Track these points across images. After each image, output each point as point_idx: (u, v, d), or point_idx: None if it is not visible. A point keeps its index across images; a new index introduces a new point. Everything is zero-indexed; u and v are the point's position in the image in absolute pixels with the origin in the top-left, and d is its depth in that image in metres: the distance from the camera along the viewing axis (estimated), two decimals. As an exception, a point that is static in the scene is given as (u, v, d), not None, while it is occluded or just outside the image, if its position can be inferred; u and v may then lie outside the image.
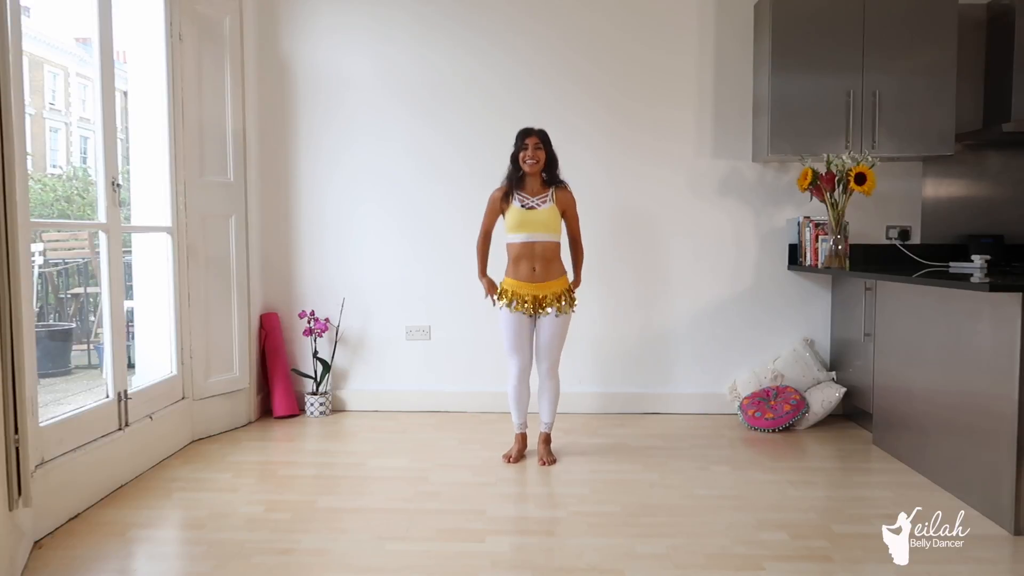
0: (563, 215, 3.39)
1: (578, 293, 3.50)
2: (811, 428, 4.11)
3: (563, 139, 4.21)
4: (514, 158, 3.35)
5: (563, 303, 3.36)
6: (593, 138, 4.38)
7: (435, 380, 4.52)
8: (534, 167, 3.31)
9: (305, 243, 4.52)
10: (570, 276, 3.49)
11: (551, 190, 3.36)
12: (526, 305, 3.33)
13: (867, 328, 3.91)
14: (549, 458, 3.46)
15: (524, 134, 3.35)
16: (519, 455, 3.49)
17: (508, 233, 3.36)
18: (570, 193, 3.40)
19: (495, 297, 3.40)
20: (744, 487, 3.19)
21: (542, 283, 3.33)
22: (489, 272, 3.52)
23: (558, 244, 3.39)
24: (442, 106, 4.42)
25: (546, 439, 3.52)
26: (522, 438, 3.53)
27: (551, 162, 3.36)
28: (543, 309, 3.33)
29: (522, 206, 3.32)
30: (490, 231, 3.49)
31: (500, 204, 3.39)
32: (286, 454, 3.77)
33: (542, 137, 3.34)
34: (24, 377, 2.39)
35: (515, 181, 3.34)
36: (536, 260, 3.32)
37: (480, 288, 3.52)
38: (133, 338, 3.99)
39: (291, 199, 4.50)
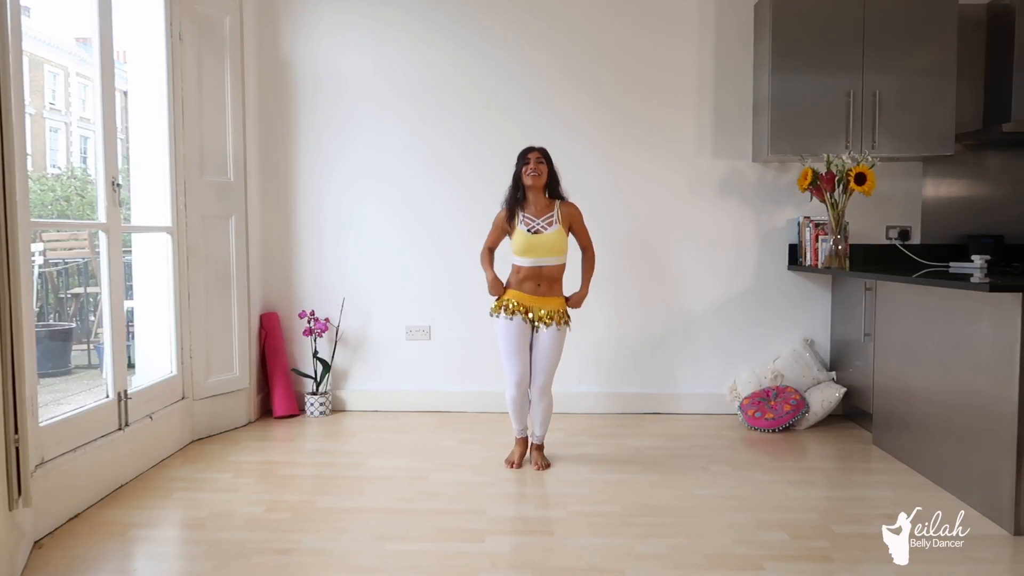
0: (570, 229, 3.39)
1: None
2: (811, 428, 4.11)
3: (564, 137, 4.25)
4: (516, 178, 3.35)
5: (560, 320, 3.35)
6: (593, 137, 4.38)
7: (435, 380, 4.52)
8: (536, 180, 3.29)
9: (305, 243, 4.52)
10: (575, 287, 3.45)
11: (556, 207, 3.35)
12: (528, 315, 3.33)
13: (867, 328, 3.91)
14: (543, 463, 3.48)
15: (526, 151, 3.36)
16: (521, 458, 3.51)
17: (515, 255, 3.35)
18: (574, 206, 3.39)
19: (494, 307, 3.37)
20: (744, 487, 3.20)
21: (545, 298, 3.35)
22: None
23: (564, 265, 3.38)
24: (442, 104, 4.42)
25: (539, 448, 3.54)
26: (523, 442, 3.55)
27: (553, 179, 3.36)
28: (542, 322, 3.33)
29: (528, 230, 3.30)
30: (494, 248, 3.48)
31: (505, 224, 3.38)
32: (286, 454, 3.77)
33: (544, 153, 3.35)
34: (24, 377, 2.39)
35: (518, 201, 3.34)
36: (543, 280, 3.34)
37: (481, 288, 3.49)
38: (133, 338, 3.99)
39: (291, 199, 4.50)
